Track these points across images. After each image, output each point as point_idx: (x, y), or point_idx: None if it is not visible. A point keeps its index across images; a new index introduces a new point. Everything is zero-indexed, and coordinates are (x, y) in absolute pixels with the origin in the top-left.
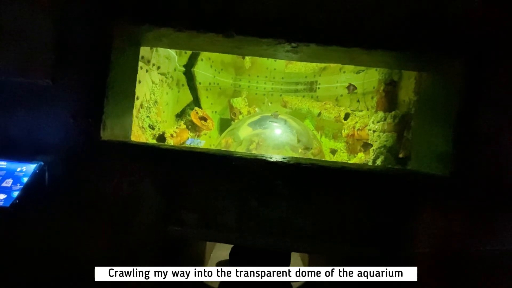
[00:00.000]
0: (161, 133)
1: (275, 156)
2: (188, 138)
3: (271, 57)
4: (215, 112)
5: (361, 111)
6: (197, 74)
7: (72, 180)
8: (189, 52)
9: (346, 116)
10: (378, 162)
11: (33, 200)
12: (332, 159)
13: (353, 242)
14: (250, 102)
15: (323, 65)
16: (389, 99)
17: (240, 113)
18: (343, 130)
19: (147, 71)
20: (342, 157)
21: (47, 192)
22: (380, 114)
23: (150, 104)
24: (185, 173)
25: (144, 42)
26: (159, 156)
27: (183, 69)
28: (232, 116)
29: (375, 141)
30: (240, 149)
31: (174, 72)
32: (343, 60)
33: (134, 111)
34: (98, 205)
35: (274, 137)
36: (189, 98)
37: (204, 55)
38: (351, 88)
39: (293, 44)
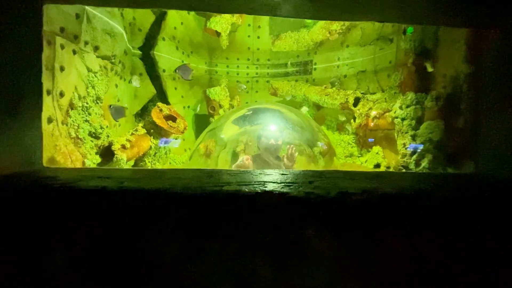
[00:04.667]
0: (106, 144)
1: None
2: (149, 147)
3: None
4: (188, 107)
5: (374, 93)
6: (159, 59)
7: None
8: (144, 29)
9: (356, 101)
10: (425, 163)
11: None
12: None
13: None
14: (232, 92)
15: (319, 39)
16: (420, 74)
17: (221, 106)
18: (352, 120)
19: (75, 52)
20: (351, 151)
21: None
22: (410, 95)
23: (88, 103)
24: (137, 227)
25: None
26: (84, 200)
27: (139, 52)
28: (211, 111)
29: (406, 133)
30: (224, 155)
31: (126, 56)
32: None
33: (57, 114)
34: None
35: (269, 135)
36: (152, 91)
37: (166, 32)
38: (185, 72)
39: None
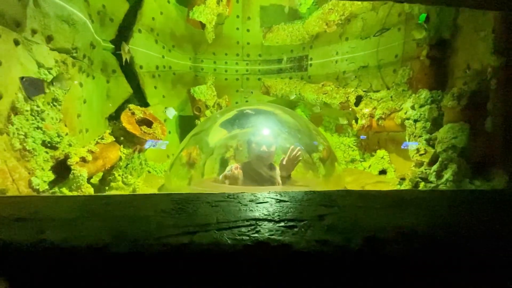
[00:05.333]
0: (62, 158)
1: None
2: (119, 157)
3: None
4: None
5: (378, 91)
6: (135, 54)
7: None
8: (116, 19)
9: (358, 100)
10: (448, 175)
11: None
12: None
13: None
14: (220, 91)
15: (315, 32)
16: (436, 69)
17: (207, 107)
18: (354, 121)
19: (17, 43)
20: (352, 155)
21: None
22: (424, 93)
23: (40, 106)
24: None
25: None
26: None
27: (111, 46)
28: (196, 113)
29: (419, 136)
30: (211, 162)
31: (93, 50)
32: None
33: None
34: None
35: (261, 141)
36: (127, 90)
37: (143, 23)
38: (32, 87)
39: None
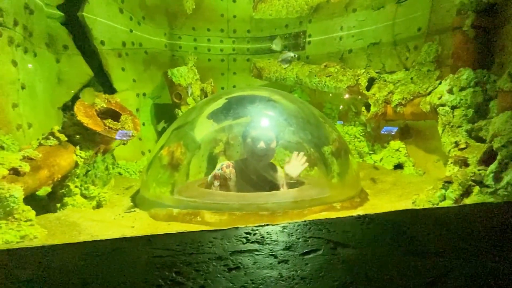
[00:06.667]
0: None
1: None
2: (74, 163)
3: None
4: (144, 95)
5: (393, 72)
6: (93, 25)
7: None
8: None
9: (370, 83)
10: (509, 177)
11: None
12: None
13: None
14: (202, 74)
15: (315, 3)
16: (482, 43)
17: (189, 93)
18: (364, 108)
19: None
20: (358, 147)
21: None
22: (466, 73)
23: None
24: None
25: None
26: None
27: (60, 13)
28: (176, 100)
29: (459, 127)
30: (197, 160)
31: (31, 16)
32: None
33: None
34: None
35: (260, 134)
36: (87, 72)
37: None
38: None
39: None
